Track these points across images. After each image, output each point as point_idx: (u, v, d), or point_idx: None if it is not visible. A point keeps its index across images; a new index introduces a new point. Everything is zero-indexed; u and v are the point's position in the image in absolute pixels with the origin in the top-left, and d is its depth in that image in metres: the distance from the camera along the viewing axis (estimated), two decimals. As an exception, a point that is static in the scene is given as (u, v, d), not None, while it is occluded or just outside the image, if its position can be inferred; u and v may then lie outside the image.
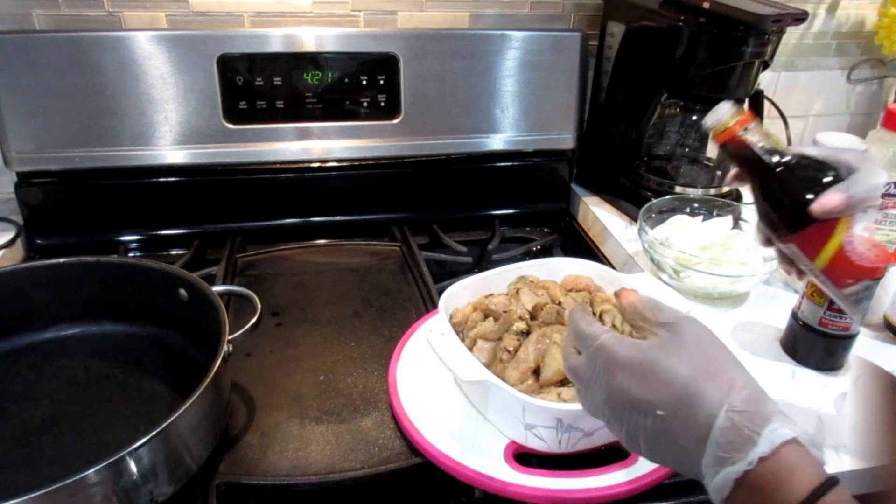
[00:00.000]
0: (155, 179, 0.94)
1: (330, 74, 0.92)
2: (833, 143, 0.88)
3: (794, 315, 0.72)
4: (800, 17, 0.84)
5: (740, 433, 0.38)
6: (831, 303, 0.67)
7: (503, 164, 1.06)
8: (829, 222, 0.52)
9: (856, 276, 0.54)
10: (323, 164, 0.99)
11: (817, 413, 0.65)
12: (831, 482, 0.37)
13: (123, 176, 0.93)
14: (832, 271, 0.54)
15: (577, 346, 0.46)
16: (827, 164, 0.53)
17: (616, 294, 0.49)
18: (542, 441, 0.57)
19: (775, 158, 0.54)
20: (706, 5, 0.85)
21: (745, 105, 0.52)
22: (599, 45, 1.04)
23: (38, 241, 0.94)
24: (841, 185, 0.51)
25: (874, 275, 0.56)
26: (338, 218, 1.02)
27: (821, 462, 0.39)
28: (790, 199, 0.53)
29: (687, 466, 0.41)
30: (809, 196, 0.52)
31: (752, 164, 0.55)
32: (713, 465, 0.39)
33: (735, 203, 0.94)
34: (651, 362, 0.41)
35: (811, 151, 0.54)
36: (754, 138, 0.55)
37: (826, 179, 0.52)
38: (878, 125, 0.86)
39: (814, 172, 0.53)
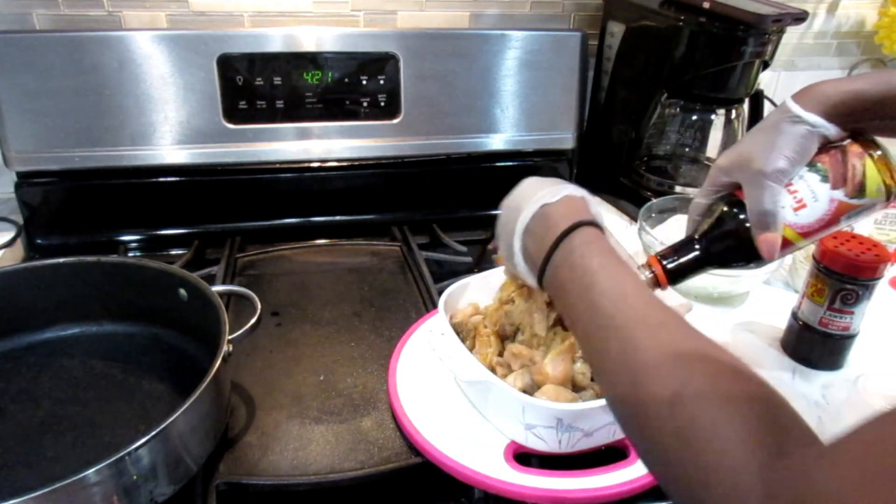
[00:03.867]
0: (155, 179, 0.94)
1: (330, 74, 0.92)
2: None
3: (794, 315, 0.72)
4: (800, 17, 0.84)
5: (553, 189, 0.51)
6: (831, 303, 0.67)
7: (503, 163, 1.06)
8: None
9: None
10: (323, 164, 0.99)
11: (817, 413, 0.65)
12: (592, 223, 0.48)
13: (123, 176, 0.93)
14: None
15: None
16: (722, 208, 0.54)
17: None
18: (542, 441, 0.57)
19: (694, 246, 0.56)
20: (706, 5, 0.85)
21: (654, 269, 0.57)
22: (599, 45, 1.04)
23: (38, 241, 0.94)
24: (755, 221, 0.52)
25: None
26: (338, 218, 1.02)
27: (595, 213, 0.50)
28: (744, 263, 0.55)
29: (512, 226, 0.52)
30: (752, 256, 0.53)
31: (693, 266, 0.56)
32: (531, 205, 0.50)
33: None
34: (514, 192, 0.56)
35: (699, 201, 0.57)
36: (669, 260, 0.56)
37: (738, 233, 0.53)
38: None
39: (725, 238, 0.54)
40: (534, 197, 0.51)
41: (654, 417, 0.35)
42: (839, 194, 0.52)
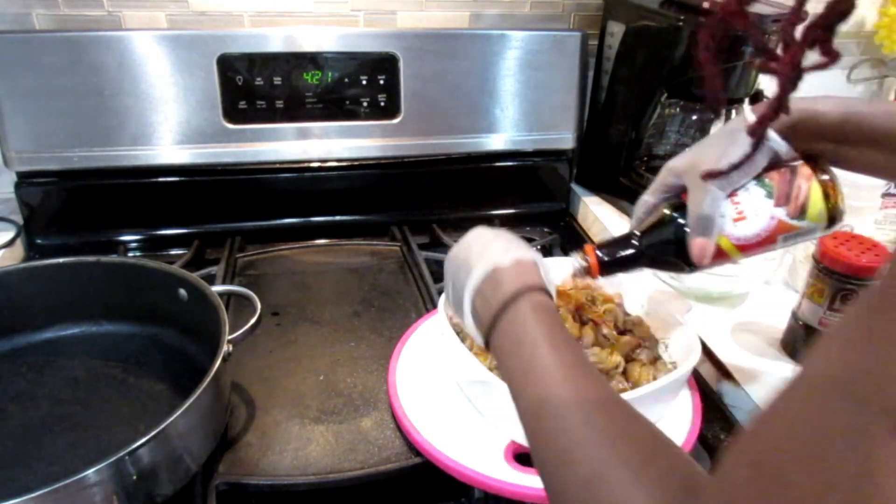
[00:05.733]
0: (155, 179, 0.94)
1: (330, 74, 0.92)
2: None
3: (794, 315, 0.72)
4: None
5: (506, 248, 0.49)
6: (831, 303, 0.67)
7: (503, 163, 1.06)
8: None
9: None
10: (323, 164, 0.99)
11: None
12: (541, 289, 0.47)
13: (123, 176, 0.93)
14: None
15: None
16: (665, 209, 0.55)
17: None
18: (542, 441, 0.57)
19: (632, 241, 0.56)
20: (706, 5, 0.85)
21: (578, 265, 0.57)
22: (599, 44, 1.04)
23: (38, 241, 0.94)
24: (693, 224, 0.52)
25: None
26: (338, 218, 1.02)
27: (547, 282, 0.48)
28: (678, 266, 0.55)
29: (462, 285, 0.50)
30: (686, 261, 0.54)
31: (627, 262, 0.56)
32: (481, 267, 0.49)
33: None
34: (463, 244, 0.54)
35: (646, 199, 0.57)
36: (605, 250, 0.56)
37: (676, 236, 0.53)
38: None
39: (663, 238, 0.54)
40: (484, 254, 0.50)
41: (572, 498, 0.35)
42: (780, 213, 0.52)
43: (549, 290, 0.48)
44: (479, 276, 0.49)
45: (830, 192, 0.51)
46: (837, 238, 0.68)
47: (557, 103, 1.02)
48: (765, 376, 0.70)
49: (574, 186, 1.13)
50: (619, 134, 1.03)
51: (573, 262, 0.57)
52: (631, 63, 0.99)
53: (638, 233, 0.56)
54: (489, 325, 0.47)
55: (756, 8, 0.83)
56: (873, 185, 0.79)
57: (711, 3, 0.88)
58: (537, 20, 1.05)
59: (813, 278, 0.69)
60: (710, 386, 0.72)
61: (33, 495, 0.43)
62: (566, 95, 1.02)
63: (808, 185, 0.51)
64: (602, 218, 1.03)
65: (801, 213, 0.52)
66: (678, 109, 1.02)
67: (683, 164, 0.54)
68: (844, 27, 1.24)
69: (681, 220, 0.53)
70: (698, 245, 0.52)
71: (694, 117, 1.03)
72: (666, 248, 0.55)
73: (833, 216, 0.52)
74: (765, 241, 0.53)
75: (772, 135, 0.51)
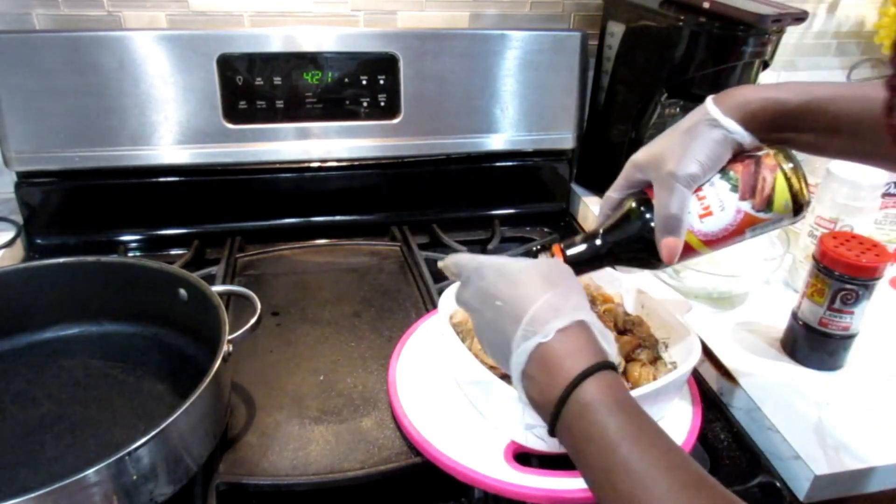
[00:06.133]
0: (155, 179, 0.94)
1: (330, 74, 0.92)
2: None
3: (794, 315, 0.72)
4: (800, 17, 0.84)
5: (547, 313, 0.44)
6: (831, 303, 0.67)
7: (503, 163, 1.06)
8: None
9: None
10: (323, 164, 0.99)
11: (817, 413, 0.65)
12: (602, 366, 0.43)
13: (123, 176, 0.93)
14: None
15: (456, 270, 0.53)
16: (631, 205, 0.54)
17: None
18: (542, 441, 0.57)
19: (597, 240, 0.55)
20: (706, 5, 0.85)
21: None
22: (599, 45, 1.04)
23: (38, 241, 0.94)
24: (660, 224, 0.51)
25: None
26: (338, 218, 1.02)
27: (602, 350, 0.45)
28: (646, 263, 0.55)
29: (502, 350, 0.47)
30: (654, 257, 0.53)
31: (594, 260, 0.56)
32: (520, 341, 0.45)
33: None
34: (512, 270, 0.49)
35: (611, 195, 0.57)
36: (571, 249, 0.56)
37: (642, 232, 0.53)
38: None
39: (630, 235, 0.54)
40: (523, 316, 0.45)
41: None
42: (746, 206, 0.51)
43: (611, 358, 0.45)
44: (523, 357, 0.45)
45: (795, 182, 0.51)
46: (837, 238, 0.68)
47: (557, 103, 1.02)
48: (765, 376, 0.70)
49: (574, 186, 1.13)
50: (619, 134, 1.03)
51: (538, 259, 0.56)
52: (631, 63, 0.99)
53: (603, 230, 0.55)
54: (551, 414, 0.43)
55: (756, 8, 0.83)
56: (873, 185, 0.79)
57: (711, 3, 0.88)
58: (537, 20, 1.05)
59: (813, 278, 0.69)
60: (710, 386, 0.72)
61: (33, 495, 0.43)
62: (566, 95, 1.02)
63: (773, 177, 0.51)
64: (602, 218, 1.03)
65: (768, 205, 0.51)
66: (678, 109, 1.02)
67: (648, 159, 0.53)
68: (844, 27, 1.24)
69: (647, 216, 0.53)
70: (667, 245, 0.52)
71: (694, 117, 1.02)
72: (633, 245, 0.54)
73: (799, 205, 0.51)
74: (732, 235, 0.53)
75: (733, 126, 0.50)
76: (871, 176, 0.79)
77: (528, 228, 1.08)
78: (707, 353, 0.73)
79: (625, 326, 0.68)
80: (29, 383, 0.67)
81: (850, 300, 0.67)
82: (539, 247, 0.56)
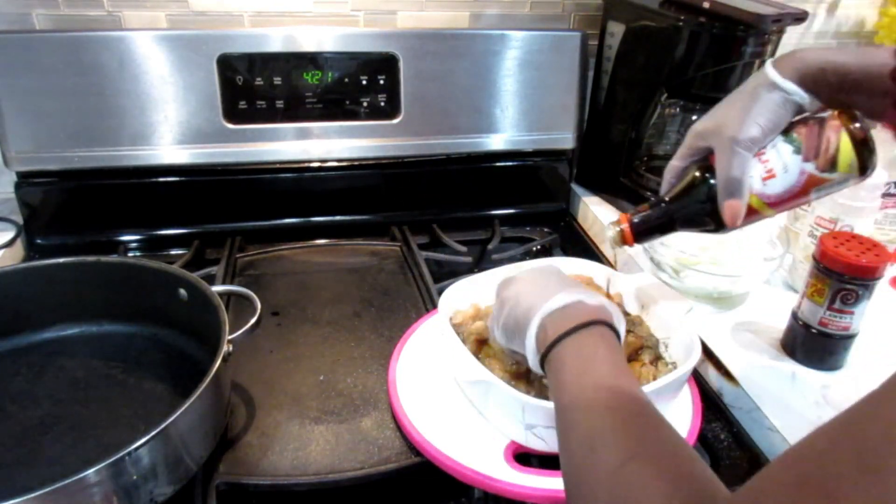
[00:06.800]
0: (155, 179, 0.94)
1: (330, 74, 0.92)
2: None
3: (794, 315, 0.72)
4: (800, 17, 0.84)
5: (578, 293, 0.51)
6: (831, 303, 0.67)
7: (503, 163, 1.06)
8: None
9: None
10: (323, 164, 0.99)
11: (817, 413, 0.65)
12: (607, 322, 0.50)
13: (123, 176, 0.93)
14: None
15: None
16: (694, 172, 0.55)
17: None
18: (542, 441, 0.57)
19: (663, 206, 0.57)
20: (706, 5, 0.85)
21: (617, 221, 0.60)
22: (599, 45, 1.04)
23: (38, 241, 0.94)
24: (722, 187, 0.52)
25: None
26: (338, 218, 1.02)
27: (617, 323, 0.51)
28: (711, 228, 0.56)
29: (527, 315, 0.52)
30: (718, 222, 0.54)
31: (661, 227, 0.58)
32: (548, 306, 0.51)
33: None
34: (540, 272, 0.58)
35: (674, 163, 0.57)
36: (638, 217, 0.58)
37: (706, 198, 0.54)
38: (878, 125, 0.85)
39: (694, 201, 0.55)
40: (571, 289, 0.52)
41: (595, 483, 0.39)
42: (810, 167, 0.51)
43: (621, 334, 0.51)
44: (561, 301, 0.51)
45: (861, 141, 0.50)
46: (837, 238, 0.68)
47: (557, 103, 1.02)
48: (765, 376, 0.70)
49: (574, 186, 1.13)
50: (619, 134, 1.03)
51: (608, 231, 0.59)
52: (631, 63, 0.99)
53: (668, 198, 0.57)
54: (554, 339, 0.49)
55: (756, 8, 0.83)
56: (873, 185, 0.79)
57: (711, 3, 0.88)
58: (537, 20, 1.05)
59: (813, 278, 0.69)
60: (710, 386, 0.72)
61: (33, 495, 0.43)
62: (566, 95, 1.02)
63: (838, 137, 0.50)
64: (602, 218, 1.03)
65: (832, 165, 0.51)
66: (678, 109, 1.03)
67: (709, 127, 0.54)
68: (844, 27, 1.23)
69: (711, 182, 0.53)
70: (730, 207, 0.52)
71: (694, 117, 1.02)
72: (697, 211, 0.55)
73: (865, 165, 0.51)
74: (796, 196, 0.53)
75: (793, 87, 0.50)
76: (871, 176, 0.78)
77: (528, 228, 1.08)
78: (707, 353, 0.73)
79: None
80: (29, 383, 0.67)
81: (850, 300, 0.67)
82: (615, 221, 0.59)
